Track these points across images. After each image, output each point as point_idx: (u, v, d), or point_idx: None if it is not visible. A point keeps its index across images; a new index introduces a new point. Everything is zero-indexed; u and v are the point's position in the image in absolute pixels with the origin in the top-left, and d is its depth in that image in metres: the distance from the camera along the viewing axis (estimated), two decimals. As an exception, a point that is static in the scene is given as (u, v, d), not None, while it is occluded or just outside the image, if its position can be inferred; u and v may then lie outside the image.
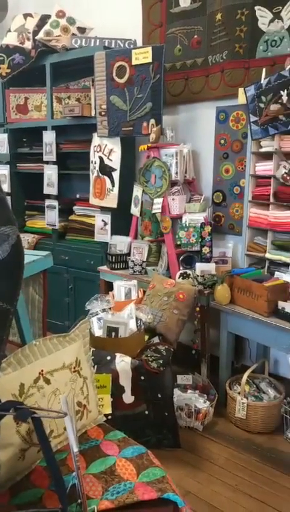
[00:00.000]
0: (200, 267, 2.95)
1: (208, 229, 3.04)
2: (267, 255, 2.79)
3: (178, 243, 3.07)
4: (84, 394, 1.56)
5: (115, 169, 3.26)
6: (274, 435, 2.55)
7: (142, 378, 2.26)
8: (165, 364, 2.31)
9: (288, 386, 2.63)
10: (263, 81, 2.61)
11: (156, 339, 2.58)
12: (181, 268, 3.03)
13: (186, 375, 2.78)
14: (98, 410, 1.65)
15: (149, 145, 3.07)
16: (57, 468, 1.19)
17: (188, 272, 2.93)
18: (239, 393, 2.59)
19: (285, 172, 2.60)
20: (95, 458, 1.47)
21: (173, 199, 3.07)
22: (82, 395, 1.55)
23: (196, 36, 3.15)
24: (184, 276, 2.92)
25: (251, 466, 2.31)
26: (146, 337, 2.56)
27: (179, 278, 2.93)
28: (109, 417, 2.18)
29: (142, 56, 3.00)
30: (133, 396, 2.27)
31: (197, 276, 2.88)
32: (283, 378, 2.89)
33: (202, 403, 2.61)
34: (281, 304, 2.51)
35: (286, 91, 2.50)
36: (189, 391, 2.72)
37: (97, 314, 2.49)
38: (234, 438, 2.54)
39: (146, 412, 2.30)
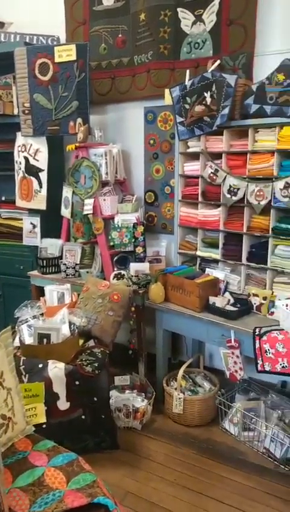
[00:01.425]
0: (134, 267, 2.96)
1: (140, 229, 3.06)
2: (198, 253, 2.87)
3: (111, 243, 3.06)
4: (9, 406, 1.50)
5: (42, 170, 3.17)
6: (210, 426, 2.64)
7: (77, 383, 2.23)
8: (101, 367, 2.30)
9: (222, 378, 2.73)
10: (187, 83, 2.66)
11: (91, 342, 2.55)
12: (115, 269, 3.02)
13: (124, 375, 2.79)
14: (25, 421, 1.60)
15: (77, 144, 3.01)
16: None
17: (123, 272, 2.93)
18: (176, 389, 2.65)
19: (211, 172, 2.68)
20: (22, 471, 1.42)
21: (105, 200, 3.05)
22: (6, 408, 1.49)
23: (120, 35, 3.14)
24: (118, 277, 2.92)
25: (189, 459, 2.37)
26: (81, 341, 2.52)
27: (113, 279, 2.92)
28: (44, 426, 2.14)
29: (66, 53, 2.94)
30: (69, 402, 2.23)
31: (132, 276, 2.89)
32: (217, 370, 2.99)
33: (140, 402, 2.63)
34: (211, 299, 2.60)
35: (209, 92, 2.57)
36: (127, 391, 2.73)
37: (27, 322, 2.41)
38: (172, 433, 2.59)
39: (83, 417, 2.27)
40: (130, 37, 3.10)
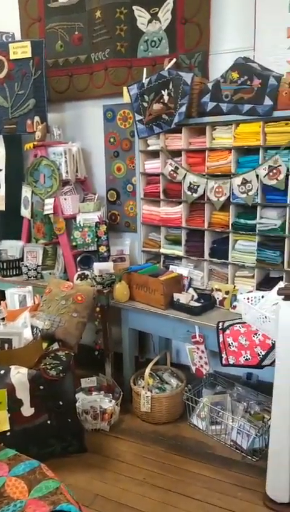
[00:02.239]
0: (98, 266, 2.93)
1: (103, 228, 3.03)
2: (162, 250, 2.88)
3: (74, 243, 3.01)
4: None
5: (0, 170, 3.08)
6: (178, 422, 2.65)
7: (41, 387, 2.18)
8: (65, 370, 2.26)
9: (189, 373, 2.75)
10: (145, 81, 2.66)
11: (55, 345, 2.50)
12: (79, 269, 2.98)
13: (90, 377, 2.75)
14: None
15: (35, 143, 2.95)
16: None
17: (86, 272, 2.90)
18: (143, 387, 2.64)
19: (172, 170, 2.69)
20: (-18, 483, 1.37)
21: (65, 199, 3.00)
22: None
23: (77, 33, 3.10)
24: (82, 277, 2.88)
25: (158, 457, 2.37)
26: (45, 345, 2.46)
27: (76, 279, 2.88)
28: (8, 434, 2.08)
29: (21, 50, 2.87)
30: (33, 408, 2.18)
31: (96, 276, 2.86)
32: (184, 366, 3.01)
33: (107, 403, 2.61)
34: (176, 296, 2.61)
35: (166, 91, 2.58)
36: (94, 393, 2.69)
37: (-13, 327, 2.33)
38: (141, 432, 2.58)
39: (48, 422, 2.22)
40: (87, 35, 3.06)
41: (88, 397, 2.64)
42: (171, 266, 2.83)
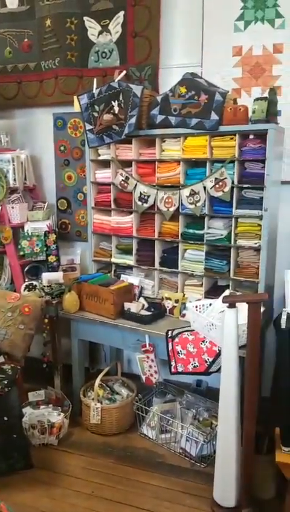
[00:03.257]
0: (46, 276, 2.87)
1: (52, 237, 2.98)
2: (113, 259, 2.88)
3: (21, 253, 2.94)
4: None
5: None
6: (129, 433, 2.64)
7: (-15, 403, 2.09)
8: (11, 384, 2.18)
9: (140, 383, 2.74)
10: (95, 91, 2.67)
11: (0, 359, 2.41)
12: (26, 279, 2.90)
13: (38, 390, 2.67)
14: None
15: (-18, 150, 2.87)
16: None
17: (34, 283, 2.83)
18: (93, 399, 2.60)
19: (122, 180, 2.71)
20: None
21: (13, 207, 2.92)
22: None
23: (26, 40, 3.07)
24: (30, 287, 2.81)
25: (107, 469, 2.34)
26: (-11, 358, 2.37)
27: (24, 290, 2.80)
28: None
29: None
30: (-24, 425, 2.08)
31: (44, 286, 2.80)
32: (136, 375, 3.00)
33: (55, 417, 2.54)
34: (126, 305, 2.61)
35: (116, 102, 2.60)
36: (42, 407, 2.62)
37: None
38: (90, 444, 2.54)
39: (-8, 439, 2.13)
40: (37, 42, 3.04)
41: (35, 411, 2.56)
42: (122, 275, 2.83)
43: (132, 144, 2.65)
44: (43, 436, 2.46)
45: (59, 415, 2.57)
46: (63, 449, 2.49)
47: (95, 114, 2.69)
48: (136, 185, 2.66)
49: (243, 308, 1.96)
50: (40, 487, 2.20)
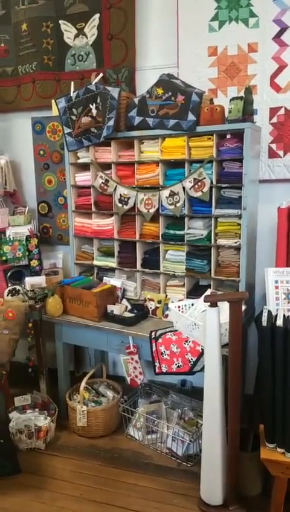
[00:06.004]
0: (29, 281, 2.86)
1: (34, 241, 2.97)
2: (95, 262, 2.88)
3: (3, 258, 2.92)
4: None
5: None
6: (116, 434, 2.64)
7: None
8: (-5, 390, 2.17)
9: (125, 385, 2.75)
10: (73, 94, 2.67)
11: (-16, 365, 2.40)
12: (9, 285, 2.89)
13: (24, 395, 2.66)
14: None
15: None
16: None
17: (17, 287, 2.81)
18: (79, 402, 2.60)
19: (102, 182, 2.71)
20: None
21: (-7, 213, 2.91)
22: None
23: (2, 44, 3.05)
24: (13, 292, 2.79)
25: (95, 471, 2.34)
26: (-28, 365, 2.36)
27: (7, 295, 2.78)
28: None
29: None
30: None
31: (27, 291, 2.79)
32: (121, 377, 3.01)
33: (42, 421, 2.54)
34: (110, 307, 2.61)
35: (94, 104, 2.60)
36: (28, 411, 2.61)
37: None
38: (77, 447, 2.53)
39: (-23, 446, 2.12)
40: (13, 47, 3.02)
41: (22, 416, 2.55)
42: (104, 278, 2.83)
43: (110, 146, 2.65)
44: (30, 440, 2.45)
45: (46, 419, 2.56)
46: (51, 453, 2.48)
47: (73, 117, 2.68)
48: (116, 187, 2.67)
49: (224, 307, 1.98)
50: (29, 491, 2.20)
